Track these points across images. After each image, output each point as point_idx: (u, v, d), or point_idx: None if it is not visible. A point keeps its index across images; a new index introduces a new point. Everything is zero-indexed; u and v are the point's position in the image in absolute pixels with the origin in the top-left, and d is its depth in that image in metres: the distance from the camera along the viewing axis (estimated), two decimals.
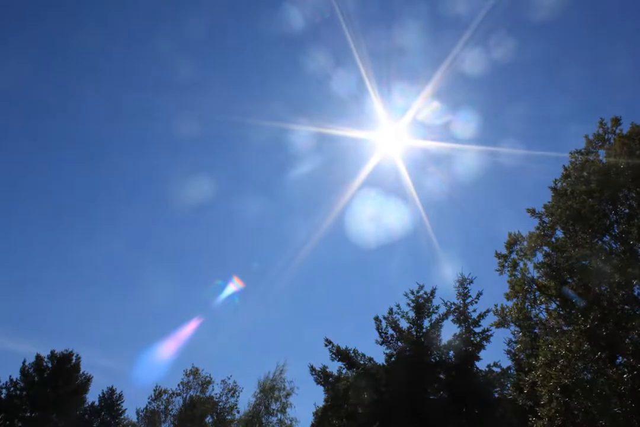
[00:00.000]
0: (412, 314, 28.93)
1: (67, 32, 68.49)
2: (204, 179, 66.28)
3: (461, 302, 28.49)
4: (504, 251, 28.81)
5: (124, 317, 70.22)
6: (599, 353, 19.20)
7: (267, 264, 76.52)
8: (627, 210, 22.46)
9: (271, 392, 44.81)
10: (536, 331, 25.87)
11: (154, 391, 46.38)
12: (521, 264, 27.54)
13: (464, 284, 28.88)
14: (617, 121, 24.21)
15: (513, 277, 27.37)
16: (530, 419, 21.22)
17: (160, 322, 71.70)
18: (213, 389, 46.62)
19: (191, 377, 46.83)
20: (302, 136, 50.68)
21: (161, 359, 45.59)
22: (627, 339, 19.05)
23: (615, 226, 22.35)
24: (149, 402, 45.76)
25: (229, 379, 46.89)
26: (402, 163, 43.17)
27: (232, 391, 46.55)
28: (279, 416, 44.29)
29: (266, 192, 79.53)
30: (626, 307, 20.17)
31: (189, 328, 45.57)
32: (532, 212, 25.37)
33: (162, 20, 69.37)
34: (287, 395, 44.88)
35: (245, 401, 47.23)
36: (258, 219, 77.26)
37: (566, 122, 58.61)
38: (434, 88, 37.14)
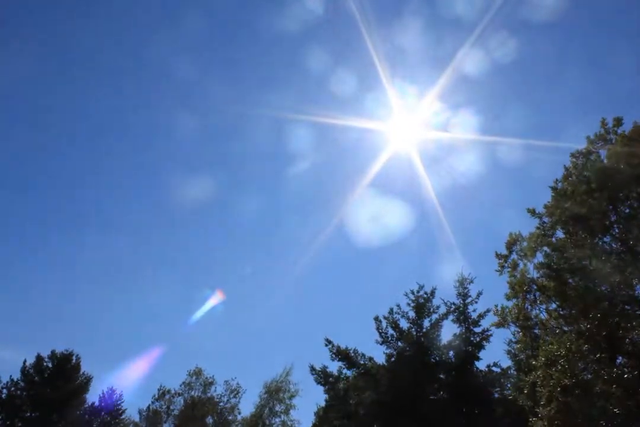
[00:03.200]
0: (412, 314, 28.92)
1: (67, 30, 68.39)
2: (203, 177, 66.38)
3: (461, 302, 28.48)
4: (505, 251, 28.80)
5: (112, 321, 69.74)
6: (599, 353, 19.16)
7: (270, 263, 76.59)
8: (627, 210, 22.40)
9: (276, 394, 44.93)
10: (536, 331, 25.84)
11: (158, 390, 46.47)
12: (521, 265, 27.53)
13: (464, 283, 28.85)
14: (619, 121, 24.17)
15: (513, 277, 27.32)
16: (530, 419, 21.18)
17: (153, 325, 71.41)
18: (215, 390, 46.79)
19: (194, 377, 46.93)
20: (309, 128, 50.78)
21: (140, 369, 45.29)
22: (627, 339, 19.00)
23: (616, 226, 22.30)
24: (152, 402, 45.95)
25: (233, 380, 47.07)
26: (415, 155, 42.92)
27: (235, 392, 46.62)
28: (282, 417, 44.45)
29: (271, 188, 79.51)
30: (626, 307, 20.12)
31: (152, 355, 44.98)
32: (533, 212, 25.33)
33: (164, 14, 69.27)
34: (291, 397, 45.03)
35: (247, 402, 47.39)
36: (260, 217, 77.22)
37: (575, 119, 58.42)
38: (445, 83, 37.12)
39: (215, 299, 48.84)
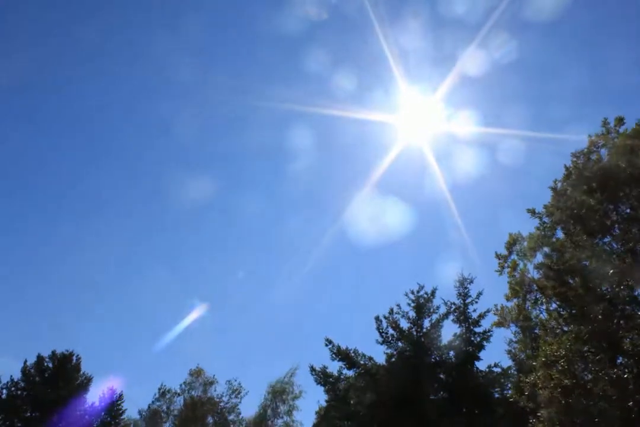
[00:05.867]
0: (412, 314, 29.02)
1: (67, 30, 68.26)
2: (202, 175, 66.28)
3: (461, 302, 28.57)
4: (505, 252, 28.70)
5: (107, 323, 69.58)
6: (599, 354, 19.13)
7: (271, 263, 76.47)
8: (628, 210, 22.32)
9: (280, 395, 44.93)
10: (536, 331, 25.78)
11: (159, 390, 46.49)
12: (521, 265, 27.44)
13: (464, 283, 28.94)
14: (620, 120, 24.02)
15: (512, 277, 27.26)
16: (530, 420, 21.15)
17: (148, 328, 71.29)
18: (216, 390, 46.77)
19: (194, 377, 46.89)
20: (313, 124, 50.64)
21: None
22: (628, 339, 18.96)
23: (616, 226, 22.23)
24: (152, 402, 45.95)
25: (235, 380, 47.03)
26: (423, 152, 42.78)
27: (237, 392, 46.58)
28: (285, 418, 44.50)
29: (273, 186, 79.24)
30: (626, 307, 20.09)
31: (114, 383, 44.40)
32: (533, 212, 25.25)
33: (165, 12, 69.08)
34: (295, 398, 45.07)
35: (249, 403, 47.41)
36: (262, 216, 77.00)
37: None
38: (452, 81, 37.17)
39: (198, 311, 49.33)
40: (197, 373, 46.90)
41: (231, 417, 45.54)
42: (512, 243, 28.25)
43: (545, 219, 24.75)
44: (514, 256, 27.95)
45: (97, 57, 71.40)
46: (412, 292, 29.31)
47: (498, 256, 28.29)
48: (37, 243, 74.18)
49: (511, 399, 24.32)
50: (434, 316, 28.82)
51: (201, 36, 68.40)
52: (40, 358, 40.78)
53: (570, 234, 22.98)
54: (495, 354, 42.00)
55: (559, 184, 24.64)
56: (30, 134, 75.81)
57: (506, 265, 27.91)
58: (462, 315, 28.28)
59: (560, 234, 24.09)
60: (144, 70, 71.20)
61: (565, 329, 21.67)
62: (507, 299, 27.28)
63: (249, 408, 46.19)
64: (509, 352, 28.44)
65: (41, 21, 66.04)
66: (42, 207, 77.37)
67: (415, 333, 28.48)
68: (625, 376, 17.92)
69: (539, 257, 25.67)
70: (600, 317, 19.57)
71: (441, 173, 38.99)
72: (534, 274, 26.27)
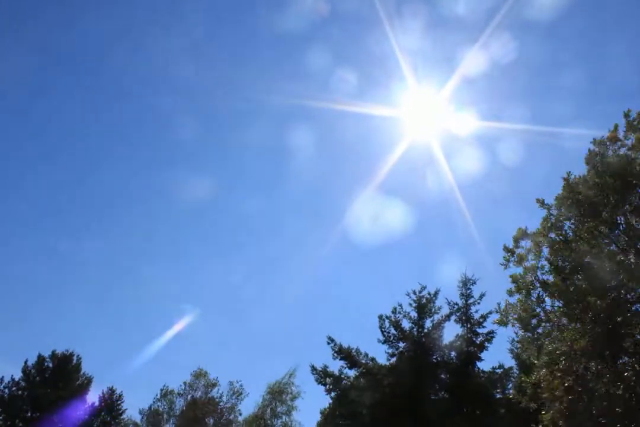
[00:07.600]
0: (414, 314, 28.87)
1: (67, 32, 68.47)
2: (201, 175, 66.20)
3: (464, 302, 28.34)
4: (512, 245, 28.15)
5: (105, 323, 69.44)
6: (602, 352, 18.61)
7: (273, 263, 76.26)
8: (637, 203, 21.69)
9: (279, 395, 44.63)
10: (539, 330, 25.23)
11: (161, 390, 46.32)
12: (527, 260, 26.88)
13: (467, 284, 28.71)
14: None
15: (517, 272, 26.71)
16: (532, 419, 20.69)
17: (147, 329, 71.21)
18: (219, 391, 46.54)
19: (196, 379, 46.67)
20: (316, 121, 50.03)
21: None
22: (630, 338, 18.45)
23: (622, 219, 21.69)
24: (153, 402, 45.75)
25: (237, 382, 46.88)
26: (428, 150, 42.46)
27: (238, 394, 46.37)
28: (284, 418, 44.15)
29: (274, 185, 78.96)
30: (629, 305, 19.59)
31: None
32: (542, 202, 24.65)
33: (166, 11, 69.01)
34: (293, 398, 44.75)
35: (250, 403, 47.19)
36: (263, 213, 76.73)
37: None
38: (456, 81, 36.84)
39: (191, 316, 49.30)
40: (199, 375, 46.69)
41: (231, 416, 45.43)
42: (519, 237, 27.68)
43: (553, 211, 24.13)
44: (520, 250, 27.38)
45: (97, 54, 71.69)
46: (414, 293, 29.20)
47: (506, 249, 27.76)
48: (35, 243, 74.12)
49: (510, 397, 23.98)
50: (436, 317, 28.66)
51: (202, 31, 68.18)
52: (40, 358, 40.77)
53: (577, 229, 22.50)
54: (498, 352, 41.43)
55: (572, 176, 23.97)
56: (29, 132, 76.09)
57: (512, 259, 27.32)
58: (464, 315, 28.09)
59: (566, 227, 23.55)
60: (144, 67, 71.24)
61: (569, 327, 21.12)
62: (510, 295, 26.68)
63: (250, 409, 45.75)
64: (512, 351, 28.04)
65: (41, 19, 66.22)
66: (39, 206, 77.52)
67: (416, 333, 28.26)
68: (626, 373, 17.40)
69: (545, 252, 25.06)
70: (603, 315, 19.06)
71: (449, 170, 38.58)
72: (538, 269, 25.67)
